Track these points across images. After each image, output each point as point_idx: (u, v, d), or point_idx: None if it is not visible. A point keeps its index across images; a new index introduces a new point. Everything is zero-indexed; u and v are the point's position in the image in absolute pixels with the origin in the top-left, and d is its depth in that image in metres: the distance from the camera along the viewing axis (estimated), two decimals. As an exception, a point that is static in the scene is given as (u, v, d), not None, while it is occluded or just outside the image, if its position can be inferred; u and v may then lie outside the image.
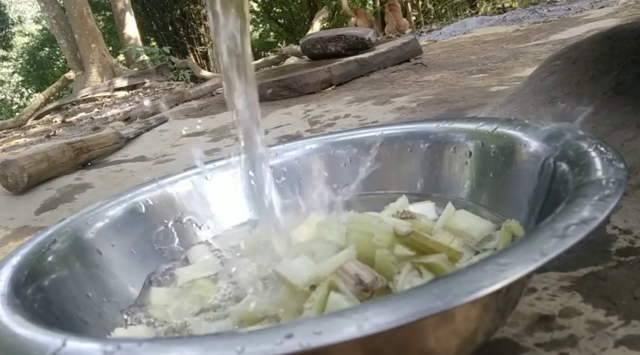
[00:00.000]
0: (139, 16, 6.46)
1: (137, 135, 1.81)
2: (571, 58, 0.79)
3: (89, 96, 4.56)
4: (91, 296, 0.42)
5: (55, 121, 3.81)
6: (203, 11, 7.12)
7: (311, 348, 0.21)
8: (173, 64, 5.12)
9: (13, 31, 10.91)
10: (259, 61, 4.35)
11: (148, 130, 1.90)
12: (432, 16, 7.17)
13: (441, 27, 4.77)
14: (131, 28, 5.87)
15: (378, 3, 6.64)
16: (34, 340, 0.27)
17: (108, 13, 8.99)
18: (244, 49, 0.41)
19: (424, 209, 0.49)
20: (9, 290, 0.35)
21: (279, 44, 6.76)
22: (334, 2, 9.18)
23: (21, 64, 11.21)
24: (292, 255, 0.39)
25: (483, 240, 0.42)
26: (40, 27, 10.93)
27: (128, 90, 4.65)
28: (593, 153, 0.36)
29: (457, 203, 0.48)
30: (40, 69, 10.99)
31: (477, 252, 0.41)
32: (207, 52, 7.25)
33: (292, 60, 3.73)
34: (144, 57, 5.44)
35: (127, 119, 2.53)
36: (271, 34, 11.33)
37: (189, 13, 7.16)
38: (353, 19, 5.10)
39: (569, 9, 3.79)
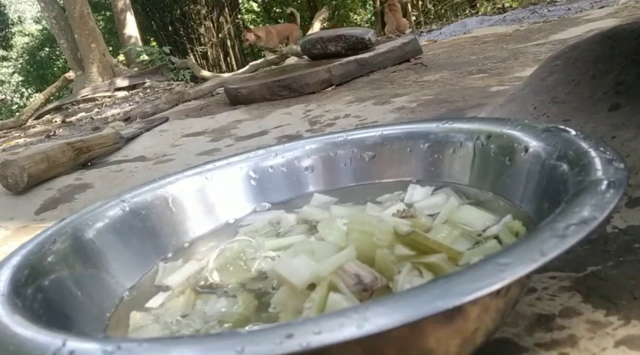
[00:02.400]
0: (139, 16, 6.46)
1: (137, 135, 1.81)
2: (571, 58, 0.79)
3: (89, 96, 4.56)
4: (90, 296, 0.42)
5: (55, 121, 3.81)
6: (203, 11, 7.12)
7: (311, 348, 0.21)
8: (173, 64, 5.11)
9: (13, 31, 10.91)
10: (259, 61, 4.35)
11: (148, 130, 1.90)
12: (432, 16, 7.17)
13: (441, 27, 4.77)
14: (131, 28, 5.87)
15: (378, 3, 6.64)
16: (34, 340, 0.27)
17: (108, 13, 8.99)
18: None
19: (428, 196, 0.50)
20: (9, 290, 0.35)
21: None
22: (334, 2, 9.19)
23: (21, 64, 11.21)
24: (292, 254, 0.39)
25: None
26: (40, 27, 10.93)
27: (128, 90, 4.64)
28: (593, 153, 0.36)
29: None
30: (40, 69, 10.99)
31: (478, 242, 0.41)
32: (207, 52, 7.24)
33: (292, 60, 3.73)
34: (144, 57, 5.43)
35: (127, 119, 2.53)
36: (271, 34, 11.32)
37: (189, 13, 7.15)
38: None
39: (569, 9, 3.79)
